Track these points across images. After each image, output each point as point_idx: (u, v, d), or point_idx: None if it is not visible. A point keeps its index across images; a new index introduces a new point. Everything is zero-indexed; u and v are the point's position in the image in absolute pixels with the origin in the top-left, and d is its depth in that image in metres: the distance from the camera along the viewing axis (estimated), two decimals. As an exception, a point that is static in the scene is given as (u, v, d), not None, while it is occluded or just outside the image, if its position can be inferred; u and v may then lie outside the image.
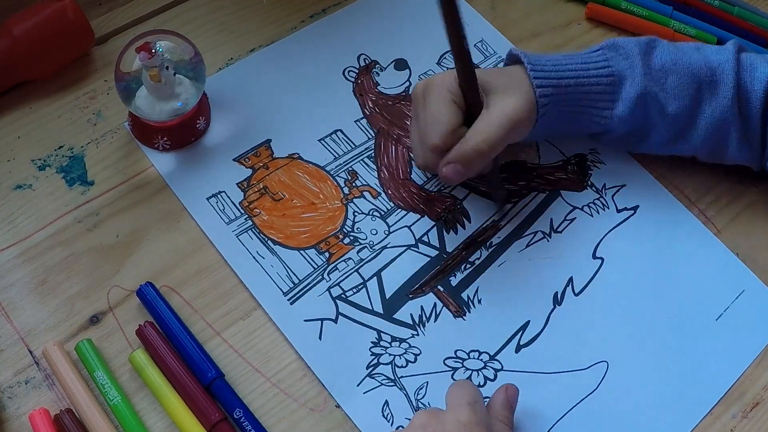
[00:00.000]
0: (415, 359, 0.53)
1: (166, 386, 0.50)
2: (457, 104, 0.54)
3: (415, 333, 0.54)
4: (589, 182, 0.62)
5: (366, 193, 0.59)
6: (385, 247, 0.57)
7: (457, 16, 0.49)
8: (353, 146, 0.61)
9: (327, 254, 0.56)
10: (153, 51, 0.54)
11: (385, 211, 0.59)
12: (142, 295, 0.53)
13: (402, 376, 0.52)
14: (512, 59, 0.59)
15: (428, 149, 0.54)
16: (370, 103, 0.64)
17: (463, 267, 0.57)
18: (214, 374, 0.50)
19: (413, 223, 0.59)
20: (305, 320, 0.54)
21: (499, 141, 0.53)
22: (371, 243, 0.57)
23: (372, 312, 0.55)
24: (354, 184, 0.60)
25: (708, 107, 0.56)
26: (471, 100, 0.54)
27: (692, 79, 0.56)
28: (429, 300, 0.55)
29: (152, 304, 0.52)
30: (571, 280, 0.57)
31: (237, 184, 0.59)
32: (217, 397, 0.50)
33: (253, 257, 0.56)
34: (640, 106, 0.56)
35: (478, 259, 0.57)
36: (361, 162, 0.61)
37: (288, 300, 0.54)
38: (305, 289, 0.55)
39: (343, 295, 0.55)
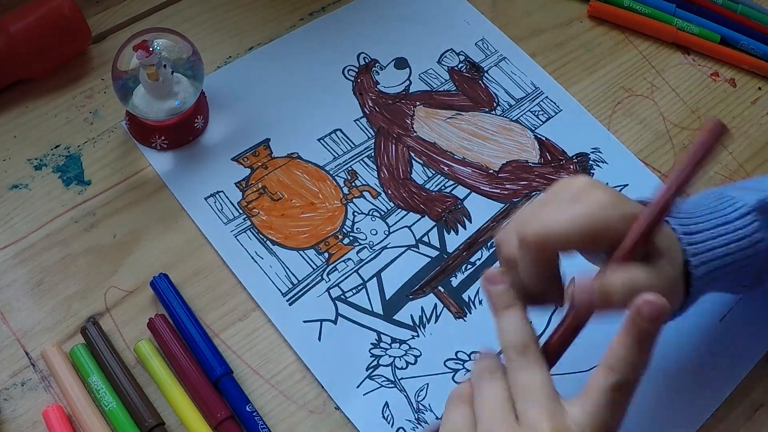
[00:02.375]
0: (416, 361, 0.53)
1: (171, 379, 0.49)
2: (596, 242, 0.43)
3: (416, 334, 0.54)
4: (591, 182, 0.61)
5: (366, 193, 0.59)
6: (385, 248, 0.57)
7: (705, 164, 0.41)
8: (353, 146, 0.61)
9: (326, 255, 0.56)
10: (150, 49, 0.54)
11: (385, 211, 0.58)
12: (155, 286, 0.52)
13: (402, 378, 0.52)
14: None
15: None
16: (369, 102, 0.63)
17: (464, 267, 0.56)
18: (222, 370, 0.50)
19: (413, 224, 0.58)
20: (304, 321, 0.53)
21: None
22: (371, 243, 0.57)
23: (372, 313, 0.54)
24: (354, 184, 0.59)
25: None
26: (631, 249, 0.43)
27: None
28: (429, 301, 0.55)
29: (164, 296, 0.52)
30: (573, 280, 0.56)
31: (235, 183, 0.58)
32: (224, 394, 0.49)
33: (252, 258, 0.55)
34: None
35: (479, 259, 0.57)
36: (360, 162, 0.60)
37: (287, 301, 0.54)
38: (304, 290, 0.54)
39: (342, 296, 0.54)
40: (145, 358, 0.50)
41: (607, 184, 0.60)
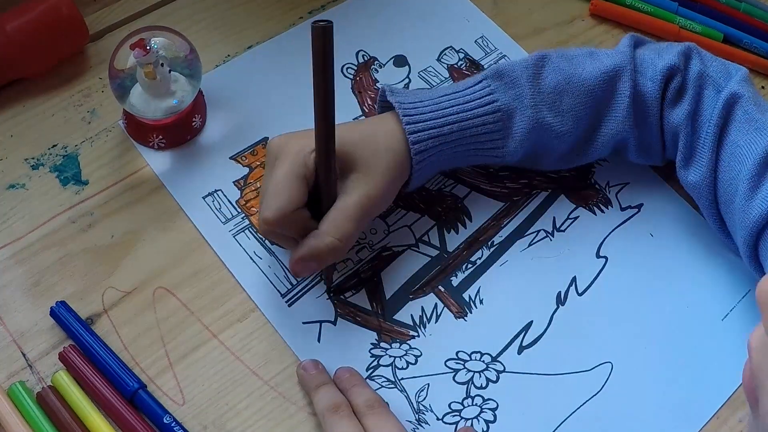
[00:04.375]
0: (416, 361, 0.52)
1: (89, 406, 0.48)
2: (307, 180, 0.48)
3: (416, 334, 0.53)
4: (593, 180, 0.60)
5: (365, 192, 0.58)
6: (384, 247, 0.56)
7: (330, 68, 0.43)
8: (352, 144, 0.60)
9: (325, 254, 0.55)
10: (148, 48, 0.54)
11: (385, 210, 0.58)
12: (56, 315, 0.51)
13: (402, 378, 0.52)
14: (384, 105, 0.54)
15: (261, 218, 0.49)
16: (369, 100, 0.63)
17: (464, 267, 0.56)
18: (135, 385, 0.49)
19: (413, 223, 0.58)
20: (303, 322, 0.53)
21: (356, 233, 0.49)
22: (371, 242, 0.56)
23: (372, 313, 0.54)
24: (353, 183, 0.59)
25: (606, 125, 0.54)
26: (323, 182, 0.48)
27: (588, 97, 0.53)
28: (430, 300, 0.55)
29: (66, 324, 0.50)
30: (574, 279, 0.56)
31: (233, 182, 0.58)
32: (142, 410, 0.49)
33: (250, 258, 0.55)
34: (533, 137, 0.53)
35: (480, 258, 0.56)
36: (360, 160, 0.60)
37: (286, 302, 0.53)
38: (303, 291, 0.54)
39: (342, 296, 0.54)
40: (63, 388, 0.49)
41: (608, 182, 0.61)
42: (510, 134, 0.53)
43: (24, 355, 0.50)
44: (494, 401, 0.51)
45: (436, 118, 0.51)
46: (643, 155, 0.56)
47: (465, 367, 0.52)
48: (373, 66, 0.65)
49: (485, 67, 0.65)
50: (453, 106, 0.52)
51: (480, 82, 0.53)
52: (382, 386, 0.51)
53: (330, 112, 0.45)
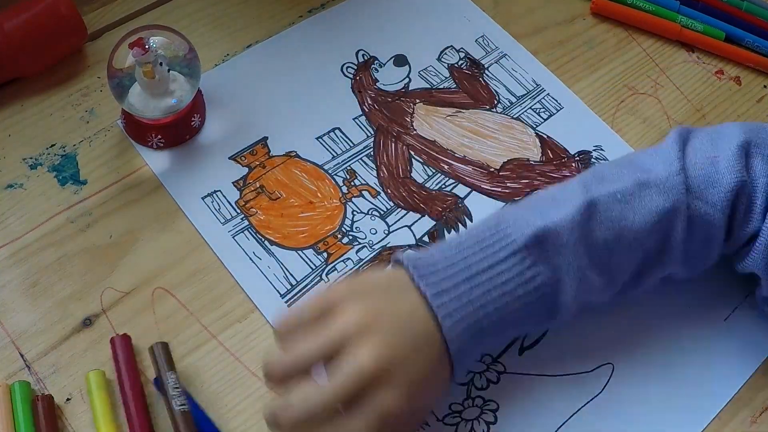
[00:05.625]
0: (416, 362, 0.52)
1: (109, 415, 0.47)
2: None
3: (416, 335, 0.53)
4: (594, 180, 0.60)
5: (365, 192, 0.58)
6: (384, 247, 0.56)
7: None
8: (352, 144, 0.60)
9: (325, 254, 0.55)
10: (146, 47, 0.53)
11: (385, 210, 0.58)
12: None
13: (402, 380, 0.51)
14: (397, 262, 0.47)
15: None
16: (369, 100, 0.63)
17: (464, 267, 0.56)
18: None
19: (413, 223, 0.57)
20: (303, 323, 0.52)
21: None
22: (371, 243, 0.56)
23: (371, 314, 0.53)
24: (353, 183, 0.58)
25: (655, 271, 0.49)
26: None
27: (638, 251, 0.47)
28: (430, 301, 0.54)
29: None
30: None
31: (233, 182, 0.57)
32: None
33: (250, 258, 0.54)
34: (580, 301, 0.47)
35: (480, 259, 0.56)
36: (359, 161, 0.59)
37: (285, 302, 0.53)
38: (303, 291, 0.54)
39: (341, 297, 0.54)
40: (90, 389, 0.48)
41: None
42: (559, 308, 0.47)
43: (22, 356, 0.50)
44: (495, 402, 0.51)
45: (475, 303, 0.44)
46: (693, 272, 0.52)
47: (465, 369, 0.52)
48: (373, 65, 0.64)
49: (486, 66, 0.65)
50: (489, 289, 0.44)
51: (517, 253, 0.45)
52: (382, 387, 0.51)
53: None
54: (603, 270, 0.47)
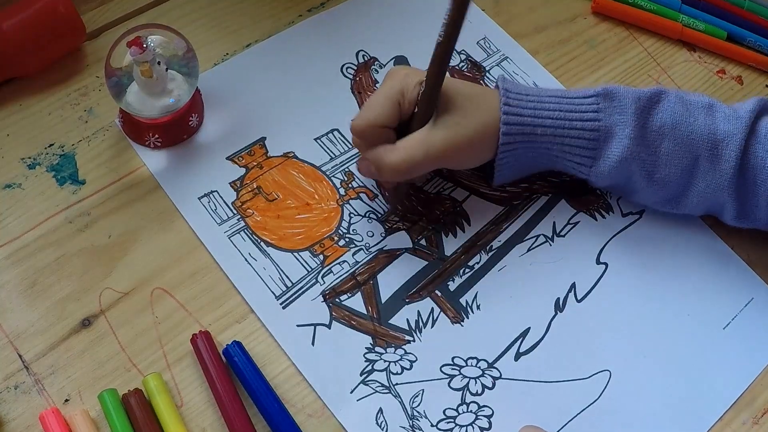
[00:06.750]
0: (411, 366, 0.52)
1: (174, 414, 0.48)
2: (401, 107, 0.51)
3: (411, 339, 0.53)
4: (593, 183, 0.60)
5: (362, 195, 0.58)
6: (381, 250, 0.56)
7: (463, 18, 0.47)
8: (350, 146, 0.60)
9: (321, 257, 0.55)
10: (144, 46, 0.53)
11: (382, 213, 0.57)
12: (228, 354, 0.50)
13: (397, 383, 0.51)
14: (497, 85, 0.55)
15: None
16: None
17: (461, 271, 0.56)
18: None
19: (411, 226, 0.57)
20: (298, 325, 0.52)
21: (420, 168, 0.51)
22: (367, 245, 0.56)
23: (367, 317, 0.53)
24: (350, 186, 0.58)
25: (702, 182, 0.53)
26: (421, 113, 0.51)
27: (690, 149, 0.52)
28: (426, 305, 0.54)
29: (239, 367, 0.50)
30: (573, 285, 0.56)
31: (230, 183, 0.57)
32: None
33: (245, 259, 0.54)
34: (624, 168, 0.53)
35: (478, 263, 0.56)
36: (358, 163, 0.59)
37: (281, 304, 0.53)
38: (298, 293, 0.54)
39: (337, 299, 0.54)
40: (152, 391, 0.49)
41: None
42: (601, 156, 0.53)
43: (20, 356, 0.50)
44: (490, 408, 0.51)
45: (536, 114, 0.52)
46: (743, 221, 0.55)
47: (461, 373, 0.52)
48: (373, 66, 0.64)
49: (487, 69, 0.65)
50: (555, 110, 0.52)
51: (590, 96, 0.53)
52: (376, 391, 0.51)
53: (448, 55, 0.49)
54: (652, 150, 0.52)
